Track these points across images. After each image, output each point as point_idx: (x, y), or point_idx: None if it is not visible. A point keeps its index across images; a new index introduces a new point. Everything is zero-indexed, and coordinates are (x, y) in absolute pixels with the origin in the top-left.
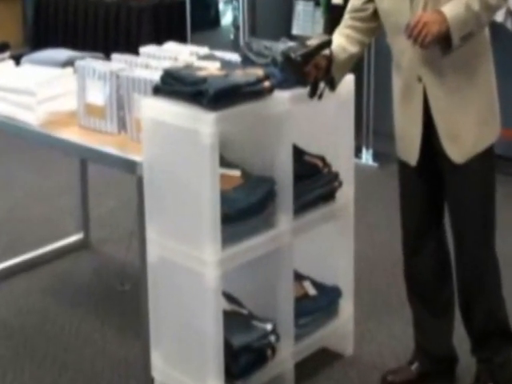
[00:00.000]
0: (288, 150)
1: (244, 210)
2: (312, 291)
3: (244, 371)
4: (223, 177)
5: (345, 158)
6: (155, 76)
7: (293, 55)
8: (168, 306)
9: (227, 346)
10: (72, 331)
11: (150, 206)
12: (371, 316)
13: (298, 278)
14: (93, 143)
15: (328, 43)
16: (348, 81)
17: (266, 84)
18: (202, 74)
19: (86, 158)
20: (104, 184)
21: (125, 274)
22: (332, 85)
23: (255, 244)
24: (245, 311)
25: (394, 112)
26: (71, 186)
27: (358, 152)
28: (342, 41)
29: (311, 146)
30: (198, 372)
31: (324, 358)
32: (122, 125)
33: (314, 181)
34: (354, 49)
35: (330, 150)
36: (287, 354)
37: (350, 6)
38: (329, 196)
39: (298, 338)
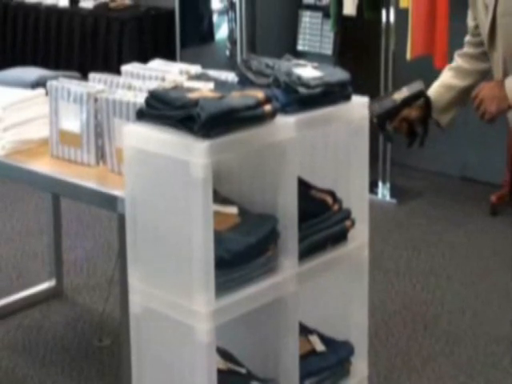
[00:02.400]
0: (292, 184)
1: (241, 253)
2: (320, 347)
3: None
4: (217, 215)
5: (358, 192)
6: (139, 99)
7: (371, 116)
8: (154, 364)
9: None
10: None
11: (132, 248)
12: (388, 377)
13: (304, 331)
14: (67, 176)
15: (419, 95)
16: (361, 104)
17: (267, 108)
18: (192, 96)
19: (58, 193)
20: (80, 223)
21: (103, 328)
22: (439, 126)
23: (254, 292)
24: (242, 370)
25: None
26: (41, 226)
27: (373, 186)
28: (448, 76)
29: (319, 179)
30: None
31: None
32: (101, 155)
33: (322, 219)
34: (464, 82)
35: (340, 184)
36: None
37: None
38: (340, 237)
39: None
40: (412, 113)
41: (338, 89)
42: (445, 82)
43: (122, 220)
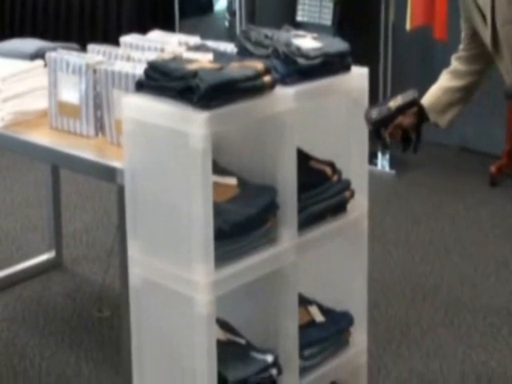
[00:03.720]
0: (292, 155)
1: (241, 224)
2: (319, 318)
3: None
4: (217, 186)
5: (357, 163)
6: (138, 70)
7: (366, 121)
8: (153, 335)
9: (222, 380)
10: (43, 366)
11: (132, 219)
12: (387, 347)
13: (304, 302)
14: (66, 147)
15: (413, 103)
16: (361, 75)
17: (267, 79)
18: (192, 67)
19: (58, 164)
20: (79, 195)
21: (103, 299)
22: (438, 127)
23: (254, 263)
24: (242, 341)
25: None
26: (41, 198)
27: (372, 157)
28: (445, 80)
29: (318, 150)
30: None
31: None
32: (100, 126)
33: (321, 190)
34: (460, 82)
35: (340, 155)
36: None
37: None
38: (339, 208)
39: (303, 371)
40: (406, 120)
41: (338, 59)
42: (442, 85)
43: (121, 192)
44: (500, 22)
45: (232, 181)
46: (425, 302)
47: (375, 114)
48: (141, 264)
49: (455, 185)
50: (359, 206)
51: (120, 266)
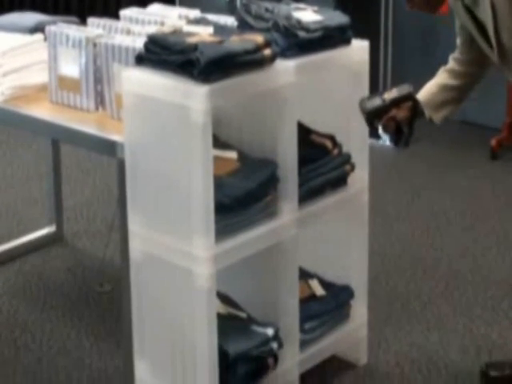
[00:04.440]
0: (292, 129)
1: (241, 197)
2: (320, 291)
3: (242, 383)
4: (217, 160)
5: (358, 137)
6: (138, 43)
7: (361, 111)
8: (154, 309)
9: (222, 354)
10: (44, 339)
11: (132, 193)
12: (388, 320)
13: (304, 276)
14: (66, 121)
15: (408, 97)
16: (361, 48)
17: (267, 52)
18: (192, 40)
19: (58, 138)
20: (79, 169)
21: (104, 273)
22: (432, 122)
23: (254, 237)
24: (242, 314)
25: None
26: (41, 172)
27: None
28: (442, 78)
29: (319, 124)
30: None
31: (333, 367)
32: (100, 100)
33: (322, 164)
34: (456, 81)
35: (340, 129)
36: (291, 363)
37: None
38: (339, 181)
39: (303, 344)
40: (400, 113)
41: (338, 33)
42: (438, 82)
43: (121, 166)
44: (507, 36)
45: (232, 155)
46: (425, 275)
47: (370, 104)
48: (141, 238)
49: (456, 158)
50: (360, 179)
51: (120, 240)
